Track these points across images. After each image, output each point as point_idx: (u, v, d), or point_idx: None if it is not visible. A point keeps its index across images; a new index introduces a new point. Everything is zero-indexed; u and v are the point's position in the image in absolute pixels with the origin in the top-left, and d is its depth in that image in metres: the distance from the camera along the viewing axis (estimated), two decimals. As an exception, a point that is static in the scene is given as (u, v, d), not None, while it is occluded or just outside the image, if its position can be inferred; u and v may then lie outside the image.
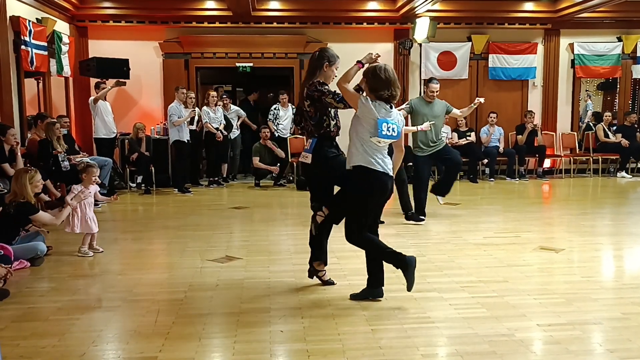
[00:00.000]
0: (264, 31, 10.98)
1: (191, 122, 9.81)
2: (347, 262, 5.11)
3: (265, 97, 12.78)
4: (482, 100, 7.22)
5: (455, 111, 7.33)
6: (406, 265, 3.99)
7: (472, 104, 7.27)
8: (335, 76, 4.35)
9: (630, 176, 11.35)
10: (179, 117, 9.40)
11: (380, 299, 4.16)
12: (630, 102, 12.20)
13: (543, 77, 11.76)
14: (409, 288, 4.02)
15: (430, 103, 7.12)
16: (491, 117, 11.14)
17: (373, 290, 4.19)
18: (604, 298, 4.20)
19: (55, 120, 8.17)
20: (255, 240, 6.11)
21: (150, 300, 4.22)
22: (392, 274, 4.75)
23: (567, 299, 4.15)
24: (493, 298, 4.19)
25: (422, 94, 7.49)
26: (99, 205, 8.26)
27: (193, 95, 9.84)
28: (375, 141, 3.95)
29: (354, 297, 4.19)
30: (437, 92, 7.13)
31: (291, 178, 10.83)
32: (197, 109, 9.99)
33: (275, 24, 10.88)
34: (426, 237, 6.30)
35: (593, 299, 4.17)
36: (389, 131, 3.95)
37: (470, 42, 11.44)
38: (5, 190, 6.13)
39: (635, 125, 11.58)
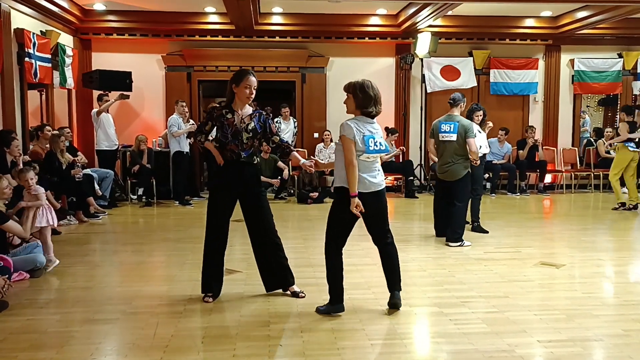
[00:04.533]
0: (267, 45, 11.05)
1: (188, 136, 9.83)
2: (349, 276, 5.09)
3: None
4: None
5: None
6: (334, 307, 4.10)
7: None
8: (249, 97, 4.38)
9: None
10: (178, 129, 9.46)
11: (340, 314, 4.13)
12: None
13: (544, 92, 11.80)
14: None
15: None
16: (500, 134, 10.97)
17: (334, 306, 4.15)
18: (605, 314, 4.18)
19: (59, 132, 8.20)
20: (255, 253, 6.07)
21: (150, 312, 4.20)
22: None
23: (568, 315, 4.13)
24: (493, 313, 4.17)
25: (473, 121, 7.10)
26: (99, 217, 8.28)
27: (185, 103, 9.88)
28: (365, 158, 3.97)
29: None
30: None
31: (292, 191, 10.83)
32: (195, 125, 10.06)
33: (277, 38, 10.96)
34: (427, 251, 6.29)
35: (594, 315, 4.15)
36: (376, 146, 3.97)
37: (472, 57, 11.49)
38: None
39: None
